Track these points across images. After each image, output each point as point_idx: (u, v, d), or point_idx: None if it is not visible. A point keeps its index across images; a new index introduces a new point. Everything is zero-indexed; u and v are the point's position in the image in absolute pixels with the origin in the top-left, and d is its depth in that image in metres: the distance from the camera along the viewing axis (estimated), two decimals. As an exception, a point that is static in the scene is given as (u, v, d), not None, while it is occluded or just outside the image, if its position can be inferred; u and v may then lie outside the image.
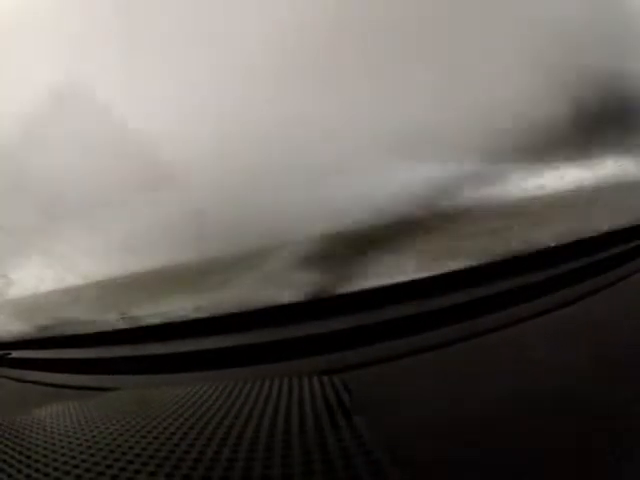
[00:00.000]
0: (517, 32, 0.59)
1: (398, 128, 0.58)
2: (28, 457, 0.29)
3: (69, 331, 0.67)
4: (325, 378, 0.36)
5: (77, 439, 0.30)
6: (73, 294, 0.74)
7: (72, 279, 0.73)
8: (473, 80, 0.59)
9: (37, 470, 0.27)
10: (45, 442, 0.31)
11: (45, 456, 0.28)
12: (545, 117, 0.59)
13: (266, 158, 0.60)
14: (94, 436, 0.30)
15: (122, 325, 0.63)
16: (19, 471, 0.27)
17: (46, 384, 0.55)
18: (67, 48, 0.63)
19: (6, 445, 0.32)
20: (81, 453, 0.28)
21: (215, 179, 0.61)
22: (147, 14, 0.60)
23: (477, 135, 0.58)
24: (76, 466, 0.26)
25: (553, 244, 0.52)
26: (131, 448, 0.27)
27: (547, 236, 0.54)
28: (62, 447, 0.29)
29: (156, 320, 0.60)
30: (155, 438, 0.28)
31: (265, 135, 0.59)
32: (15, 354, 0.68)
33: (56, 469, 0.26)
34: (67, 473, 0.25)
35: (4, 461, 0.29)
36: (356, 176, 0.61)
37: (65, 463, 0.27)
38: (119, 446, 0.28)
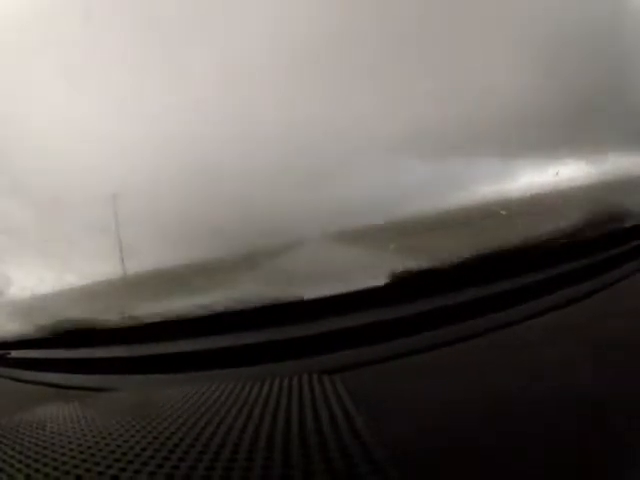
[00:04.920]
0: (520, 31, 0.59)
1: (401, 128, 0.59)
2: (28, 457, 0.29)
3: (69, 331, 0.67)
4: (325, 378, 0.36)
5: (77, 439, 0.30)
6: (73, 294, 0.74)
7: (72, 279, 0.73)
8: (474, 81, 0.59)
9: (37, 470, 0.27)
10: (45, 442, 0.31)
11: (45, 456, 0.28)
12: (546, 115, 0.59)
13: (269, 159, 0.61)
14: (94, 436, 0.30)
15: (122, 325, 0.63)
16: (19, 471, 0.27)
17: (46, 384, 0.55)
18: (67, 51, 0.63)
19: (6, 445, 0.32)
20: (81, 453, 0.28)
21: (217, 180, 0.61)
22: (151, 11, 0.60)
23: (479, 134, 0.58)
24: (76, 466, 0.26)
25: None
26: (131, 448, 0.27)
27: (547, 235, 0.54)
28: (62, 447, 0.29)
29: (156, 320, 0.59)
30: (155, 438, 0.28)
31: (268, 137, 0.60)
32: (15, 354, 0.68)
33: (56, 469, 0.26)
34: (67, 473, 0.25)
35: (4, 461, 0.29)
36: (360, 176, 0.61)
37: (65, 463, 0.27)
38: (119, 446, 0.28)
